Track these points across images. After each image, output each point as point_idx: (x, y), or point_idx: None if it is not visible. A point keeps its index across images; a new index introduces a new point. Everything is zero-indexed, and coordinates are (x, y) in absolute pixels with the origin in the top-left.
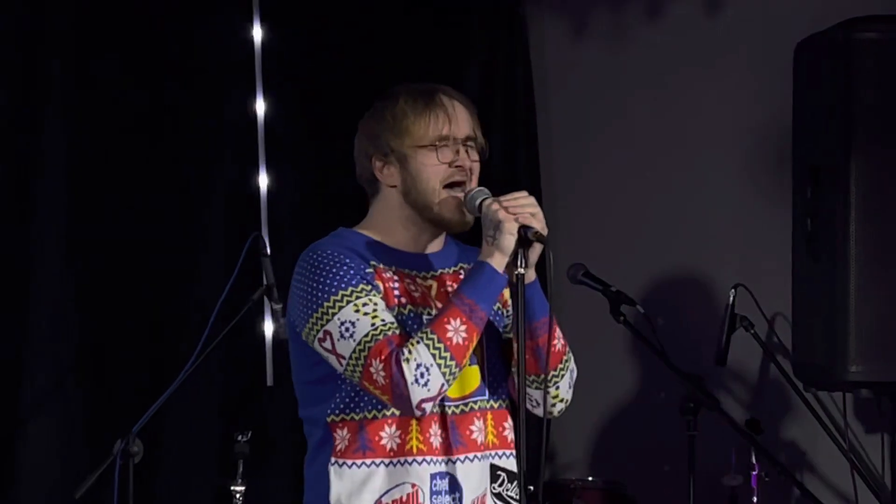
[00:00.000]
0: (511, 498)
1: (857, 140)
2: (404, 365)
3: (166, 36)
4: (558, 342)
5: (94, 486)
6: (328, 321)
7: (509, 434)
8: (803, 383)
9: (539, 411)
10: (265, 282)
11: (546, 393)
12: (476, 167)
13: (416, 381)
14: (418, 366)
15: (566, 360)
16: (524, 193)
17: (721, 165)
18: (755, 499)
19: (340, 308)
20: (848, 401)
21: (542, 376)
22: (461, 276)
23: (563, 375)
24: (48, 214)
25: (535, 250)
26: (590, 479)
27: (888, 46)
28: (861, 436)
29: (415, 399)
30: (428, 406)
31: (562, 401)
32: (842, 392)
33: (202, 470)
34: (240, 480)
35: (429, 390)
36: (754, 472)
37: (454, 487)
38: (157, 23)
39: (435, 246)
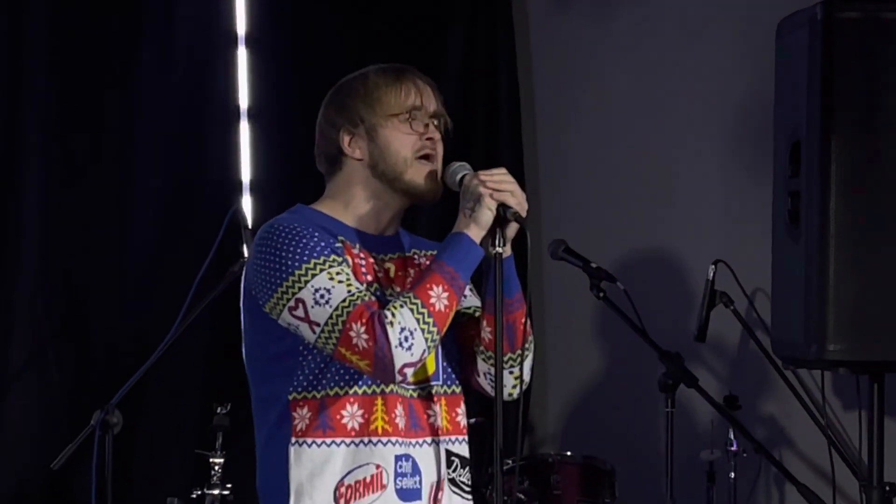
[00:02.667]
0: (463, 483)
1: (837, 119)
2: (388, 328)
3: (148, 23)
4: (527, 321)
5: (73, 457)
6: (300, 289)
7: (462, 420)
8: (782, 360)
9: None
10: (245, 254)
11: (510, 373)
12: (440, 147)
13: (401, 344)
14: (402, 329)
15: (531, 342)
16: (503, 170)
17: (703, 141)
18: (732, 474)
19: (314, 276)
20: (826, 377)
21: (509, 354)
22: (416, 262)
23: (526, 356)
24: (30, 187)
25: (512, 228)
26: (568, 454)
27: (869, 25)
28: (839, 412)
29: (398, 363)
30: (409, 371)
31: (522, 382)
32: (820, 370)
33: (181, 441)
34: (219, 452)
35: (412, 354)
36: (732, 448)
37: (416, 470)
38: (137, 9)
39: (392, 229)
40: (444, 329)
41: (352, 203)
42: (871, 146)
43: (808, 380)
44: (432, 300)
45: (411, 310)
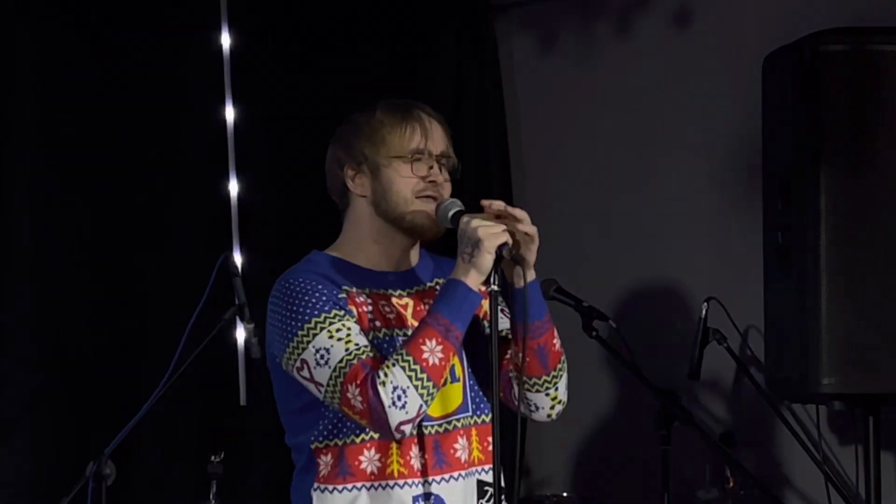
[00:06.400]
0: None
1: (825, 152)
2: (380, 388)
3: (134, 44)
4: (557, 342)
5: None
6: (304, 350)
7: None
8: (777, 396)
9: (538, 416)
10: (237, 301)
11: (546, 394)
12: (448, 186)
13: (394, 403)
14: (395, 388)
15: (563, 361)
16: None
17: (692, 178)
18: None
19: (314, 336)
20: (821, 413)
21: (544, 377)
22: (437, 293)
23: (561, 376)
24: (14, 234)
25: (531, 251)
26: (565, 494)
27: (856, 58)
28: (835, 447)
29: (393, 422)
30: (407, 428)
31: (560, 402)
32: (815, 404)
33: (176, 491)
34: (213, 501)
35: (407, 413)
36: (729, 486)
37: None
38: (124, 30)
39: (409, 262)
40: (442, 381)
41: (362, 243)
42: (860, 178)
43: (804, 415)
44: (425, 355)
45: (403, 367)
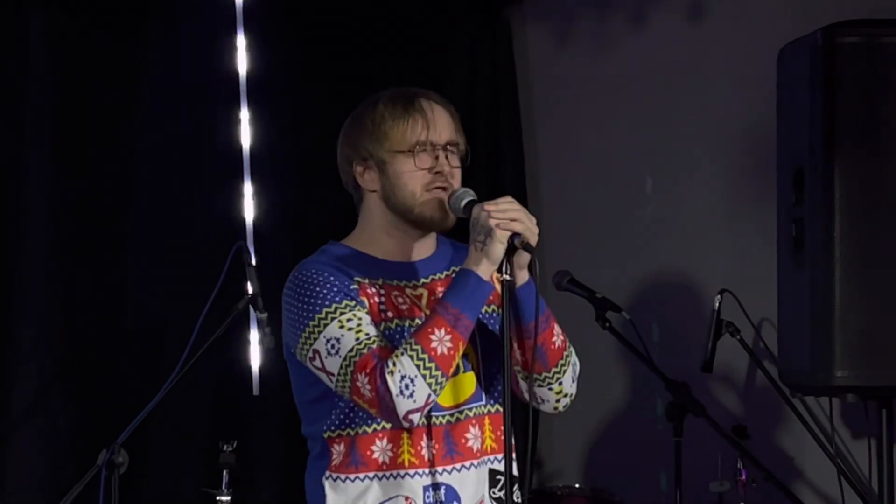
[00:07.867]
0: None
1: (839, 145)
2: (388, 377)
3: (150, 52)
4: (557, 339)
5: (79, 498)
6: (315, 340)
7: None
8: (790, 389)
9: (545, 408)
10: (250, 291)
11: (549, 389)
12: (457, 172)
13: (402, 392)
14: (402, 377)
15: (567, 356)
16: (509, 199)
17: (706, 171)
18: None
19: (325, 325)
20: (834, 406)
21: (545, 374)
22: None
23: (564, 371)
24: (32, 223)
25: (524, 256)
26: (577, 486)
27: (869, 50)
28: (848, 440)
29: (401, 411)
30: (415, 417)
31: (566, 395)
32: (828, 397)
33: (188, 480)
34: (225, 490)
35: (415, 401)
36: (741, 479)
37: (451, 497)
38: (140, 40)
39: (424, 251)
40: (451, 370)
41: (376, 235)
42: (873, 170)
43: (817, 408)
44: (433, 344)
45: (411, 357)
